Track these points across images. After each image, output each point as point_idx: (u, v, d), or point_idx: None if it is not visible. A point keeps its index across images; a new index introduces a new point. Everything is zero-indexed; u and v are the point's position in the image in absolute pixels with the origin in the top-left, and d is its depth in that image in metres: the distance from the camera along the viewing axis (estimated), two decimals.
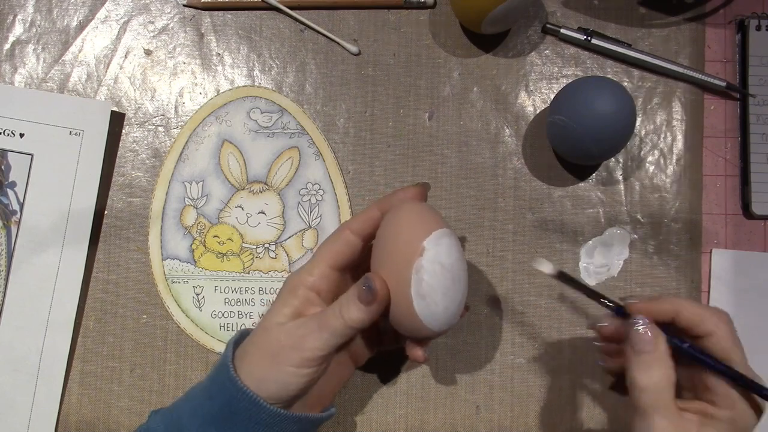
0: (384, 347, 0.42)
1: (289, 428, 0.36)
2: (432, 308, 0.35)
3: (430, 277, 0.34)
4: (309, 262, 0.38)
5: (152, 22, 0.50)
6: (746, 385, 0.33)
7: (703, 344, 0.34)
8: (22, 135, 0.48)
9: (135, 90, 0.49)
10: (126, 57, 0.50)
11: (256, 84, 0.49)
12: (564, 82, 0.49)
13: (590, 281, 0.48)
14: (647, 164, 0.49)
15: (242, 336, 0.39)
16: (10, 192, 0.47)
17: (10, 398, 0.46)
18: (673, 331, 0.35)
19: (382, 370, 0.48)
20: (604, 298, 0.37)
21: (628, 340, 0.34)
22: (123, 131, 0.49)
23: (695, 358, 0.34)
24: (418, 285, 0.34)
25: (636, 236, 0.49)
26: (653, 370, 0.33)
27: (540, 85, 0.49)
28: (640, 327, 0.34)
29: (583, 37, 0.49)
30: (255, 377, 0.35)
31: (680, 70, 0.49)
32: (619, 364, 0.38)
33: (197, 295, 0.48)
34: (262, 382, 0.35)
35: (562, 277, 0.38)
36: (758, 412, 0.34)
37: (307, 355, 0.35)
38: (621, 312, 0.36)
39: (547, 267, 0.38)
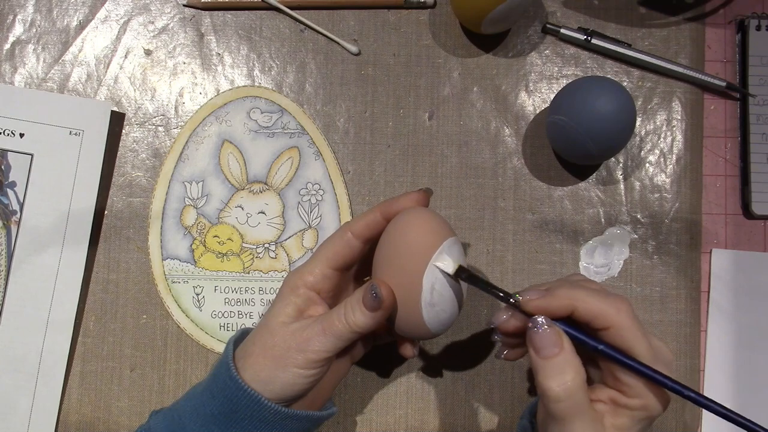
0: (379, 342, 0.42)
1: (290, 426, 0.36)
2: (440, 315, 0.36)
3: (441, 286, 0.35)
4: (309, 261, 0.38)
5: (152, 22, 0.50)
6: (655, 381, 0.31)
7: (604, 336, 0.32)
8: (22, 135, 0.48)
9: (135, 90, 0.49)
10: (126, 57, 0.50)
11: (256, 84, 0.49)
12: (564, 82, 0.49)
13: None
14: (647, 164, 0.49)
15: (243, 335, 0.39)
16: (10, 192, 0.47)
17: (10, 398, 0.46)
18: (571, 322, 0.33)
19: (381, 369, 0.48)
20: (502, 292, 0.34)
21: (531, 344, 0.32)
22: (123, 131, 0.49)
23: (609, 356, 0.32)
24: (429, 294, 0.35)
25: (636, 236, 0.49)
26: (565, 374, 0.31)
27: (540, 85, 0.49)
28: (542, 327, 0.32)
29: (583, 37, 0.49)
30: (260, 377, 0.35)
31: (680, 70, 0.49)
32: (520, 354, 0.36)
33: (197, 295, 0.48)
34: (268, 383, 0.35)
35: (460, 274, 0.35)
36: (666, 398, 0.33)
37: (312, 357, 0.35)
38: (518, 309, 0.33)
39: (449, 266, 0.35)
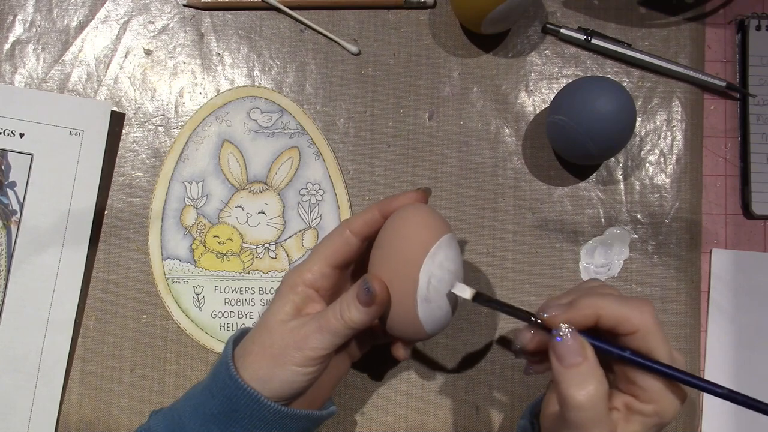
0: (378, 342, 0.42)
1: (290, 426, 0.36)
2: (435, 312, 0.35)
3: (438, 281, 0.35)
4: (308, 259, 0.38)
5: (152, 22, 0.50)
6: (683, 381, 0.31)
7: (628, 341, 0.32)
8: (22, 135, 0.48)
9: (135, 90, 0.49)
10: (126, 57, 0.50)
11: (256, 84, 0.49)
12: (564, 82, 0.49)
13: None
14: (647, 164, 0.49)
15: (242, 334, 0.39)
16: (10, 192, 0.47)
17: (10, 398, 0.46)
18: (595, 332, 0.33)
19: (382, 369, 0.48)
20: (523, 313, 0.34)
21: (554, 353, 0.32)
22: (123, 131, 0.49)
23: (634, 363, 0.32)
24: (426, 289, 0.35)
25: (636, 236, 0.49)
26: (588, 383, 0.31)
27: (540, 85, 0.49)
28: (565, 337, 0.32)
29: (583, 37, 0.49)
30: (258, 376, 0.35)
31: (680, 70, 0.49)
32: (548, 367, 0.35)
33: (197, 295, 0.48)
34: (266, 381, 0.35)
35: (479, 298, 0.35)
36: (682, 400, 0.32)
37: (310, 354, 0.35)
38: (542, 327, 0.33)
39: (466, 292, 0.35)
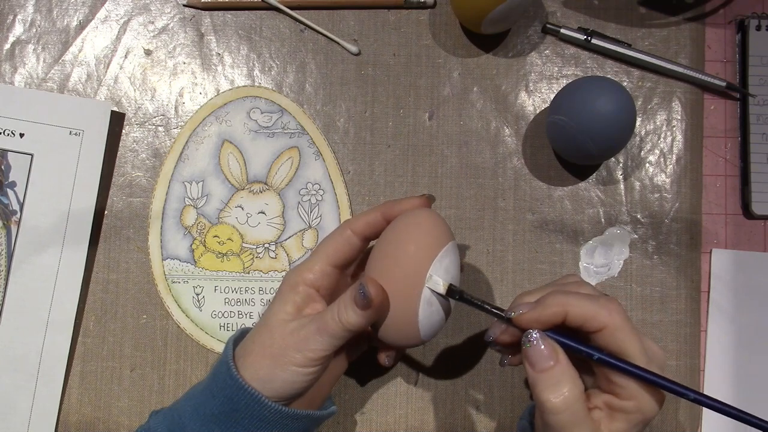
0: (374, 344, 0.42)
1: (291, 426, 0.36)
2: (433, 316, 0.36)
3: (441, 287, 0.35)
4: (309, 258, 0.38)
5: (152, 22, 0.50)
6: (655, 383, 0.31)
7: (598, 338, 0.32)
8: (22, 135, 0.48)
9: (135, 90, 0.49)
10: (126, 57, 0.50)
11: (256, 84, 0.49)
12: (564, 82, 0.49)
13: (591, 281, 0.48)
14: (647, 164, 0.49)
15: (242, 334, 0.39)
16: (10, 192, 0.47)
17: (10, 398, 0.46)
18: (563, 329, 0.33)
19: (382, 369, 0.48)
20: (494, 309, 0.34)
21: (526, 359, 0.32)
22: (123, 131, 0.49)
23: (606, 364, 0.32)
24: (429, 294, 0.35)
25: (636, 236, 0.49)
26: (561, 386, 0.31)
27: (540, 85, 0.49)
28: (534, 343, 0.32)
29: (583, 37, 0.49)
30: (259, 376, 0.35)
31: (680, 70, 0.49)
32: (521, 359, 0.35)
33: (197, 295, 0.48)
34: (267, 381, 0.35)
35: (452, 293, 0.35)
36: (662, 396, 0.32)
37: (310, 356, 0.35)
38: (512, 324, 0.34)
39: (439, 286, 0.35)
